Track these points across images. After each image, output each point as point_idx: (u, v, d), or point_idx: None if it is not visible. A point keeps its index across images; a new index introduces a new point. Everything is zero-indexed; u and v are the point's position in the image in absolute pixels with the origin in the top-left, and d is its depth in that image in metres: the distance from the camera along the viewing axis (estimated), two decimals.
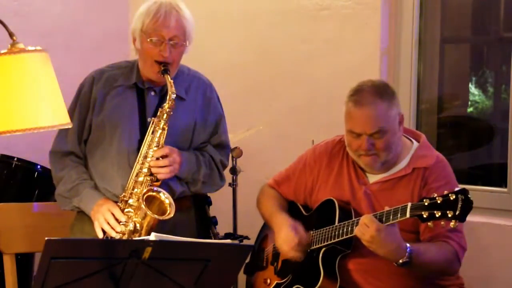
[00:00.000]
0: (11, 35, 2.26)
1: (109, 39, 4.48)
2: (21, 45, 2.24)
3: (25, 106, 2.22)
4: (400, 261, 2.57)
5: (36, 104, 2.24)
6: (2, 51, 2.23)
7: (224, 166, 3.09)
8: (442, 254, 2.66)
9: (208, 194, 3.57)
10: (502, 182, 3.70)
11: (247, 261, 3.02)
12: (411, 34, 3.86)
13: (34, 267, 3.66)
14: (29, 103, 2.23)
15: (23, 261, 3.54)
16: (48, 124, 2.26)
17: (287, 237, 2.84)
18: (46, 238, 2.07)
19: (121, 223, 2.79)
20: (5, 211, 3.15)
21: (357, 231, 2.59)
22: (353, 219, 2.71)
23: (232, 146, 3.74)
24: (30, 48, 2.25)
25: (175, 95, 2.79)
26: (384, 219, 2.56)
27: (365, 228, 2.55)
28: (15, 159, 3.62)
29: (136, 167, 2.83)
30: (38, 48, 2.27)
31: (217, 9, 4.34)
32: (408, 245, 2.57)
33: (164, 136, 2.82)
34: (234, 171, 3.80)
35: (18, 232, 3.13)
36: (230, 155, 3.74)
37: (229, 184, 3.80)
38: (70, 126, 2.41)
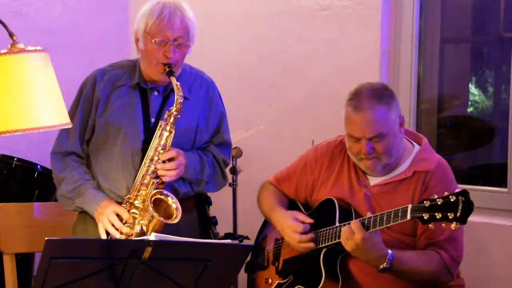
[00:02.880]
0: (11, 35, 2.26)
1: (109, 39, 4.48)
2: (21, 45, 2.24)
3: (25, 106, 2.22)
4: (381, 266, 2.59)
5: (36, 104, 2.23)
6: (2, 51, 2.23)
7: (226, 165, 3.08)
8: (429, 265, 2.66)
9: (208, 194, 3.57)
10: (502, 182, 3.69)
11: (248, 259, 3.02)
12: (411, 34, 3.86)
13: (34, 267, 3.66)
14: (29, 103, 2.22)
15: (23, 261, 3.54)
16: (48, 124, 2.25)
17: (292, 227, 2.84)
18: (46, 238, 2.06)
19: (126, 225, 2.78)
20: (5, 211, 3.15)
21: (342, 236, 2.61)
22: (354, 220, 2.70)
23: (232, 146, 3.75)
24: (30, 48, 2.25)
25: (182, 99, 2.77)
26: (384, 221, 2.56)
27: (351, 235, 2.58)
28: (15, 159, 3.62)
29: (143, 169, 2.81)
30: (38, 48, 2.27)
31: (217, 9, 4.34)
32: (390, 252, 2.59)
33: (171, 139, 2.79)
34: (234, 171, 3.80)
35: (18, 232, 3.13)
36: (230, 155, 3.75)
37: (229, 184, 3.80)
38: (70, 126, 2.40)
